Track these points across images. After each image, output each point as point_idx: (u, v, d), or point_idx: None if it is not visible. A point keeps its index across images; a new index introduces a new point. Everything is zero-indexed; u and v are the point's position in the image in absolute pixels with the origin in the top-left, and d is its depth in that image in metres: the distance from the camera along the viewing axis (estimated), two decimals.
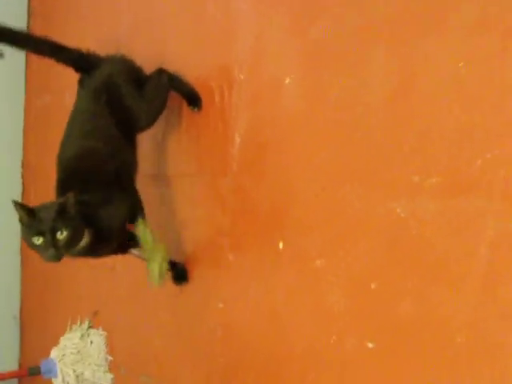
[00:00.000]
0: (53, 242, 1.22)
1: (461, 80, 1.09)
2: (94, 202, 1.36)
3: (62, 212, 1.24)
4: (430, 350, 1.14)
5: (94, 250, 1.37)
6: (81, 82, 1.52)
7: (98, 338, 1.92)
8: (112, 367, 1.89)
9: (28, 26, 2.27)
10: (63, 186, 1.38)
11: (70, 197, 1.25)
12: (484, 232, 1.07)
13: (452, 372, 1.10)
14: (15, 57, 2.22)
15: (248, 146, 1.48)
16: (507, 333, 1.01)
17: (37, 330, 2.23)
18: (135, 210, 1.52)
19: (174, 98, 1.63)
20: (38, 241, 1.22)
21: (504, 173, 1.04)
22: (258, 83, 1.46)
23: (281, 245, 1.40)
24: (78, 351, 1.94)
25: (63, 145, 1.45)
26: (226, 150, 1.52)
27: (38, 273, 2.19)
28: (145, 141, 1.70)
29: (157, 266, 1.49)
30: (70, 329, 2.02)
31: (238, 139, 1.50)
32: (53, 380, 2.01)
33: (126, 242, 1.49)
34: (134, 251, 1.51)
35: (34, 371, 2.04)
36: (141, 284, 1.77)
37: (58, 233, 1.23)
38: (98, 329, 1.94)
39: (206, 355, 1.58)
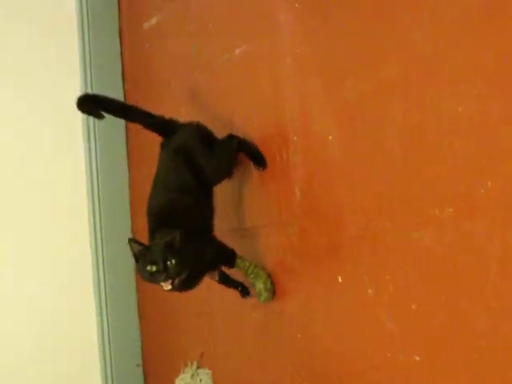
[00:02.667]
0: (164, 268, 1.51)
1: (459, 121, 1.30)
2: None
3: (170, 246, 1.53)
4: (462, 354, 1.32)
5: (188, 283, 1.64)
6: (162, 145, 1.83)
7: (205, 376, 2.18)
8: None
9: (124, 93, 2.66)
10: (153, 235, 1.69)
11: (176, 235, 1.54)
12: (492, 248, 1.25)
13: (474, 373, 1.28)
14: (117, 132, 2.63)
15: (306, 196, 1.73)
16: None
17: (157, 375, 2.53)
18: (225, 255, 1.80)
19: (245, 161, 1.91)
20: (152, 269, 1.51)
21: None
22: (308, 142, 1.72)
23: (339, 278, 1.63)
24: None
25: (150, 198, 1.76)
26: (290, 201, 1.78)
27: (155, 325, 2.50)
28: (226, 200, 1.98)
29: (262, 284, 1.79)
30: (183, 371, 2.30)
31: (297, 192, 1.75)
32: None
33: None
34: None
35: None
36: (238, 324, 2.04)
37: (168, 262, 1.52)
38: (204, 368, 2.21)
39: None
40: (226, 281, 1.89)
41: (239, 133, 1.90)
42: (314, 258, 1.72)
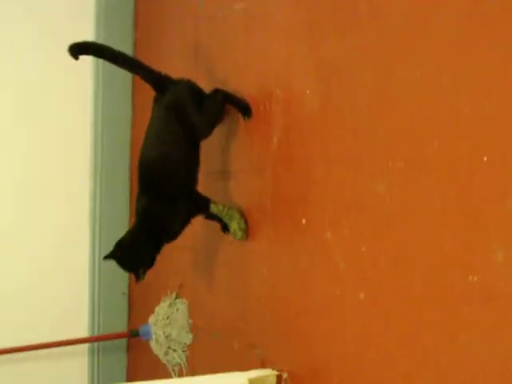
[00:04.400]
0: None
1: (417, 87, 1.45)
2: (162, 203, 1.87)
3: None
4: (402, 293, 1.49)
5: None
6: (155, 99, 2.00)
7: (182, 305, 2.37)
8: (192, 328, 2.35)
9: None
10: (142, 185, 1.88)
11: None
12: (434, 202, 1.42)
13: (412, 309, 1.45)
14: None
15: (282, 144, 1.89)
16: None
17: (140, 303, 2.73)
18: (199, 206, 1.99)
19: (233, 113, 2.07)
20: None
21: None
22: (288, 95, 1.88)
23: (303, 221, 1.80)
24: (168, 317, 2.41)
25: (142, 150, 1.93)
26: (269, 148, 1.94)
27: None
28: (214, 144, 2.15)
29: (236, 224, 1.97)
30: (163, 300, 2.50)
31: (275, 140, 1.91)
32: (150, 341, 2.50)
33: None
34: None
35: (135, 334, 2.55)
36: (215, 260, 2.23)
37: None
38: (182, 298, 2.41)
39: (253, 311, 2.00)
40: (212, 216, 2.04)
41: (232, 85, 2.07)
42: (284, 201, 1.88)
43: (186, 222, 1.93)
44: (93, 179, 2.76)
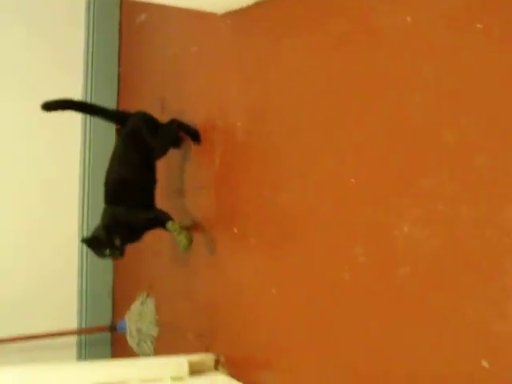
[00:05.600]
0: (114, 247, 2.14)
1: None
2: (124, 213, 2.22)
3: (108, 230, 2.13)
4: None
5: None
6: (118, 131, 2.39)
7: (151, 304, 2.76)
8: (158, 323, 2.73)
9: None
10: (107, 199, 2.24)
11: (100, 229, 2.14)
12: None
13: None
14: None
15: (222, 166, 2.28)
16: None
17: (121, 302, 3.13)
18: (159, 220, 2.28)
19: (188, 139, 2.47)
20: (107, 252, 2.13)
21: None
22: (226, 126, 2.27)
23: (235, 230, 2.19)
24: (139, 313, 2.79)
25: (106, 173, 2.25)
26: (212, 170, 2.33)
27: (125, 261, 3.09)
28: (173, 165, 2.55)
29: (184, 238, 2.21)
30: (137, 299, 2.89)
31: (217, 162, 2.31)
32: (126, 334, 2.90)
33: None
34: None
35: (113, 328, 2.97)
36: (176, 264, 2.61)
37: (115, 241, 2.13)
38: (151, 298, 2.80)
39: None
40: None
41: (187, 116, 2.47)
42: (223, 214, 2.27)
43: (142, 229, 2.29)
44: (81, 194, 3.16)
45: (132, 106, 2.89)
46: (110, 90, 3.20)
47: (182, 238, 2.25)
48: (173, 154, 2.49)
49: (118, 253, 2.16)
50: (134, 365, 2.24)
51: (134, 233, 2.25)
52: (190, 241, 2.26)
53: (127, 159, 2.28)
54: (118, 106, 3.25)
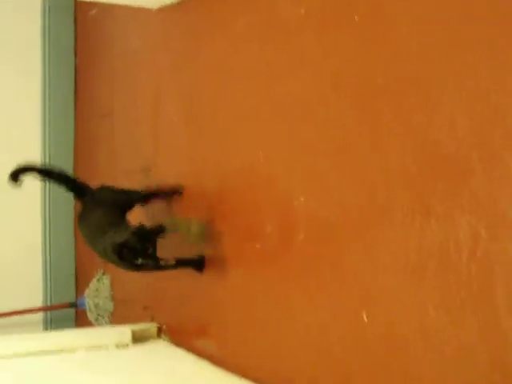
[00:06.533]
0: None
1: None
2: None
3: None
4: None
5: None
6: (80, 217, 2.22)
7: (106, 280, 2.94)
8: (113, 299, 2.92)
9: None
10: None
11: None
12: None
13: None
14: None
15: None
16: None
17: (83, 281, 3.32)
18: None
19: None
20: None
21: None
22: (160, 107, 2.45)
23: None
24: (96, 289, 2.98)
25: (93, 246, 2.12)
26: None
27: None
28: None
29: (196, 227, 2.14)
30: (94, 276, 3.08)
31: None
32: (86, 310, 3.09)
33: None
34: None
35: (72, 304, 3.17)
36: None
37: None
38: (107, 275, 2.99)
39: None
40: (182, 263, 2.14)
41: (138, 101, 2.67)
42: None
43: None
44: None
45: (88, 86, 3.10)
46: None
47: (193, 228, 2.17)
48: None
49: (151, 263, 1.95)
50: (80, 334, 2.43)
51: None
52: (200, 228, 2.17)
53: (109, 222, 2.12)
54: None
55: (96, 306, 2.97)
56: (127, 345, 2.35)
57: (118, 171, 2.84)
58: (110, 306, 2.91)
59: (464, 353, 1.24)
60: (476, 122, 1.24)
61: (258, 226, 1.88)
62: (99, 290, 2.97)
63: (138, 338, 2.39)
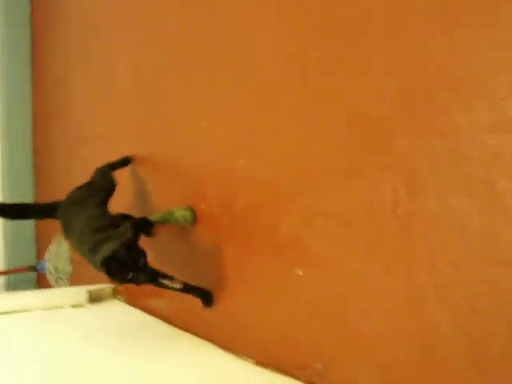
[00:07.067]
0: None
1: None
2: None
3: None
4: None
5: None
6: (65, 230, 2.07)
7: (65, 244, 3.04)
8: (72, 262, 3.01)
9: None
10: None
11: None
12: None
13: None
14: None
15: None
16: None
17: (43, 244, 3.40)
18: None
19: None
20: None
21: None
22: (117, 78, 2.52)
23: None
24: (56, 253, 3.07)
25: (80, 247, 1.94)
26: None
27: None
28: None
29: (188, 212, 2.05)
30: (53, 241, 3.16)
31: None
32: (46, 273, 3.18)
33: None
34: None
35: (32, 268, 3.25)
36: None
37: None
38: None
39: None
40: (187, 290, 1.95)
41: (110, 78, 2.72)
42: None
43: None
44: None
45: (44, 54, 3.12)
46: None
47: (185, 213, 2.07)
48: None
49: (142, 276, 1.72)
50: (37, 295, 2.51)
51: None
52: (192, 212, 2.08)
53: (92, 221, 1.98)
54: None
55: (56, 269, 3.06)
56: (82, 305, 2.44)
57: (71, 139, 2.90)
58: (69, 268, 3.00)
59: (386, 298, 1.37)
60: (398, 88, 1.33)
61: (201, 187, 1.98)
62: (58, 253, 3.06)
63: (94, 299, 2.48)
